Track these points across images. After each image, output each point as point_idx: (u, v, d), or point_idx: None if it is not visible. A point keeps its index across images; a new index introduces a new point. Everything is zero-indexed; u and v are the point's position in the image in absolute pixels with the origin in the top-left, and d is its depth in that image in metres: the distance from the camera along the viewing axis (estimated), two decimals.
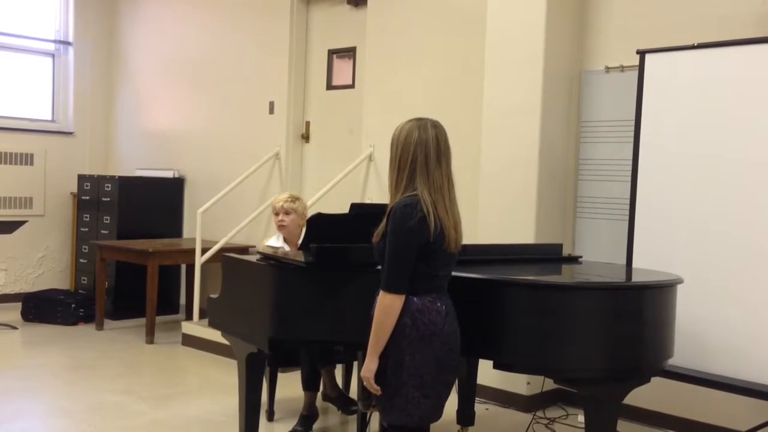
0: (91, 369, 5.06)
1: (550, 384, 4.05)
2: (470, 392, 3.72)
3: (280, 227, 4.06)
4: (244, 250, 5.94)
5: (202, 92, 6.84)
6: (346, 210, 3.62)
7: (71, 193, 7.34)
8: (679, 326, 3.01)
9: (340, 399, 4.09)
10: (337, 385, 4.15)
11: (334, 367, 4.16)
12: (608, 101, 4.35)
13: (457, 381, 3.01)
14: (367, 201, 5.40)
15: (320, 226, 3.26)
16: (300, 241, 3.94)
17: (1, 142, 7.03)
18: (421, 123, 2.45)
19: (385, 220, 2.42)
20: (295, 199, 4.07)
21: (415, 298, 2.40)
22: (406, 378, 2.39)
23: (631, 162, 3.88)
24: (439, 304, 2.43)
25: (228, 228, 5.97)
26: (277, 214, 4.06)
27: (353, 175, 5.50)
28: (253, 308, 3.18)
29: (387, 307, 2.36)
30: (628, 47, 4.09)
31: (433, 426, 2.54)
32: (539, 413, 4.25)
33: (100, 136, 7.71)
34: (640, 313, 2.81)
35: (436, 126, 2.47)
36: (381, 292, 2.38)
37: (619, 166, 4.23)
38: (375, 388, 2.42)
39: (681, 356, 3.20)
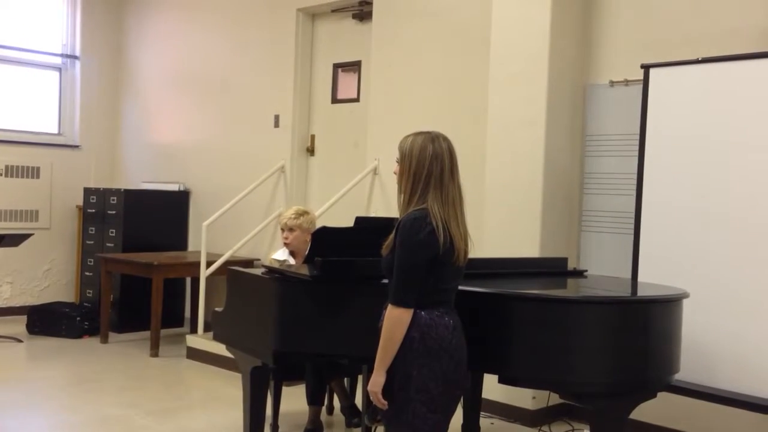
0: (96, 382, 5.05)
1: (555, 399, 4.04)
2: (475, 406, 3.70)
3: (285, 244, 4.07)
4: (249, 263, 5.95)
5: (207, 105, 6.87)
6: (351, 223, 3.63)
7: (77, 206, 7.36)
8: (685, 340, 3.00)
9: (350, 410, 4.09)
10: (348, 395, 4.15)
11: (343, 379, 4.16)
12: (613, 115, 4.36)
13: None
14: (372, 214, 5.40)
15: (325, 239, 3.26)
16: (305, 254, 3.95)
17: (7, 155, 7.06)
18: (432, 136, 2.45)
19: (393, 234, 2.41)
20: (300, 215, 4.06)
21: (423, 312, 2.39)
22: (413, 393, 2.38)
23: (635, 175, 3.88)
24: (446, 319, 2.42)
25: (233, 241, 5.98)
26: (282, 230, 4.08)
27: (358, 189, 5.50)
28: (257, 322, 3.18)
29: (395, 320, 2.36)
30: (632, 61, 4.10)
31: None
32: (545, 428, 4.23)
33: (106, 149, 7.74)
34: (646, 328, 2.81)
35: (446, 139, 2.48)
36: (389, 306, 2.38)
37: (623, 180, 4.23)
38: (382, 403, 2.41)
39: (687, 371, 3.18)
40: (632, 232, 3.90)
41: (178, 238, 6.96)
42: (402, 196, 2.46)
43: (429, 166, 2.40)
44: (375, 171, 5.49)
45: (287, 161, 6.15)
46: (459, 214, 2.42)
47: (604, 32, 4.45)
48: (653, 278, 3.58)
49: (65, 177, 7.40)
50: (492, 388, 3.68)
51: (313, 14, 6.19)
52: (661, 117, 3.78)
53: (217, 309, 3.54)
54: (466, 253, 2.43)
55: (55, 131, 7.55)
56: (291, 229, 4.02)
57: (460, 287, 2.54)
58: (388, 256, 2.42)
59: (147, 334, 5.92)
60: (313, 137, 6.22)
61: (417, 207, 2.39)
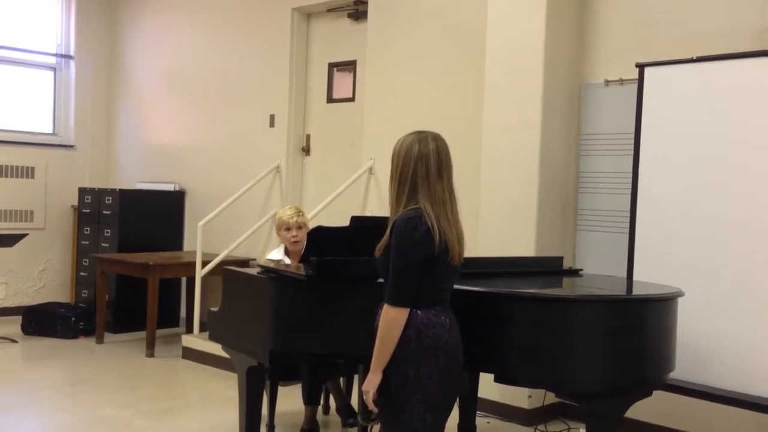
0: (92, 383, 5.04)
1: (551, 398, 4.05)
2: (471, 406, 3.70)
3: (295, 243, 4.02)
4: (245, 263, 5.94)
5: (202, 105, 6.85)
6: (346, 223, 3.63)
7: (72, 206, 7.35)
8: (680, 339, 3.01)
9: (346, 409, 4.09)
10: (344, 395, 4.15)
11: (339, 379, 4.16)
12: (608, 114, 4.36)
13: None
14: (368, 214, 5.40)
15: (321, 239, 3.26)
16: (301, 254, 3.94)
17: (2, 155, 7.04)
18: (421, 136, 2.45)
19: (387, 234, 2.41)
20: (301, 212, 4.08)
21: (419, 312, 2.39)
22: (410, 392, 2.38)
23: (631, 175, 3.89)
24: (443, 318, 2.42)
25: (228, 241, 5.97)
26: (289, 230, 4.03)
27: (354, 188, 5.50)
28: (253, 321, 3.18)
29: (392, 320, 2.36)
30: (627, 61, 4.10)
31: None
32: (541, 427, 4.24)
33: (101, 149, 7.72)
34: (641, 326, 2.81)
35: (437, 139, 2.47)
36: (385, 306, 2.38)
37: (619, 179, 4.24)
38: (374, 403, 2.41)
39: (683, 369, 3.20)
40: (627, 231, 3.91)
41: (174, 238, 6.94)
42: (391, 196, 2.46)
43: (414, 167, 2.40)
44: (370, 170, 5.49)
45: (283, 161, 6.14)
46: (450, 213, 2.41)
47: (599, 32, 4.45)
48: (648, 277, 3.60)
49: (60, 177, 7.38)
50: (488, 387, 3.69)
51: (308, 14, 6.18)
52: (656, 116, 3.79)
53: (212, 309, 3.53)
54: (460, 252, 2.43)
55: (50, 131, 7.53)
56: (300, 227, 4.02)
57: (456, 286, 2.54)
58: (382, 257, 2.42)
59: (143, 334, 5.91)
60: (308, 137, 6.22)
61: (410, 207, 2.39)
